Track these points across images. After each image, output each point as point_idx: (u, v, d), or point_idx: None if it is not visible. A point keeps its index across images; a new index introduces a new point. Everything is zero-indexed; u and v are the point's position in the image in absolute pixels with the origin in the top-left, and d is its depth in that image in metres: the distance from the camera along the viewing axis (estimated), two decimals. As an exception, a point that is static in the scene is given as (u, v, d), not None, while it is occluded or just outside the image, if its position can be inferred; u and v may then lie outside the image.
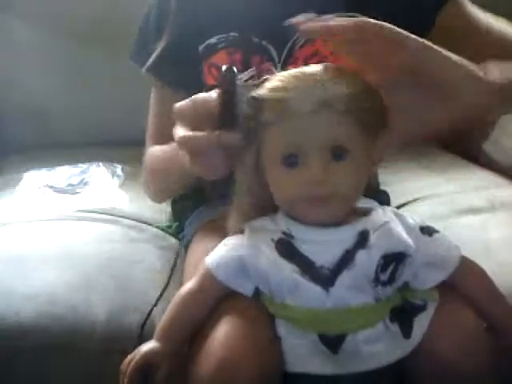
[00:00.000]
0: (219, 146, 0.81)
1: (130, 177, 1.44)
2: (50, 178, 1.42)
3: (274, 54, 1.07)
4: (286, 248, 0.81)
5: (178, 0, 1.11)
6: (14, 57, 1.61)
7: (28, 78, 1.61)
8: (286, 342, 0.81)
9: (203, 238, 1.07)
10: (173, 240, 1.26)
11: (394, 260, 0.81)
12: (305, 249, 0.80)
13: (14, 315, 0.96)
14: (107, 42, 1.57)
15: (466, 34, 1.06)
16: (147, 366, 0.81)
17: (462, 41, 1.06)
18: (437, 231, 0.84)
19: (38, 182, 1.40)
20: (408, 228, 0.82)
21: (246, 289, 0.83)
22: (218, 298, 0.84)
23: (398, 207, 1.34)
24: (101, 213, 1.29)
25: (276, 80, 0.80)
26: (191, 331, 0.83)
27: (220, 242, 0.87)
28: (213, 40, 1.07)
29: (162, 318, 0.84)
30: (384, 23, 0.81)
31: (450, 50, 1.11)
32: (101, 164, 1.47)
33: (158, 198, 1.21)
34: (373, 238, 0.80)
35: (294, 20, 0.83)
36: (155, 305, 1.00)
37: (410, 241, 0.81)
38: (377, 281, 0.80)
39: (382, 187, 1.25)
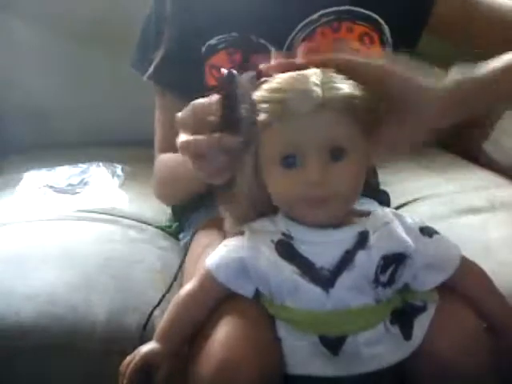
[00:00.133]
0: (220, 149, 0.81)
1: (130, 177, 1.44)
2: (50, 178, 1.41)
3: (274, 51, 1.07)
4: (286, 249, 0.81)
5: (173, 3, 1.11)
6: (14, 57, 1.61)
7: (28, 78, 1.61)
8: (287, 343, 0.81)
9: (203, 238, 1.07)
10: (173, 240, 1.26)
11: (394, 261, 0.81)
12: (304, 250, 0.80)
13: (13, 315, 0.96)
14: (107, 41, 1.57)
15: (469, 21, 1.07)
16: (147, 366, 0.81)
17: (467, 29, 1.07)
18: (437, 232, 0.84)
19: (38, 182, 1.40)
20: (408, 229, 0.82)
21: (247, 290, 0.83)
22: (218, 299, 0.84)
23: (398, 207, 1.34)
24: (101, 213, 1.29)
25: (274, 81, 0.80)
26: (191, 332, 0.83)
27: (220, 242, 0.87)
28: (212, 41, 1.07)
29: (162, 319, 0.85)
30: (349, 57, 0.82)
31: (457, 42, 1.11)
32: (101, 164, 1.47)
33: (168, 203, 1.24)
34: (372, 238, 0.80)
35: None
36: (158, 305, 0.99)
37: (409, 242, 0.81)
38: (377, 282, 0.80)
39: (382, 187, 1.25)
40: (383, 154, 0.85)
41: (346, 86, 0.78)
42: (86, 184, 1.40)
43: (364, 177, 0.82)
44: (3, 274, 1.05)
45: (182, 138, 0.84)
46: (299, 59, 0.82)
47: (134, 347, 0.83)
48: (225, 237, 0.89)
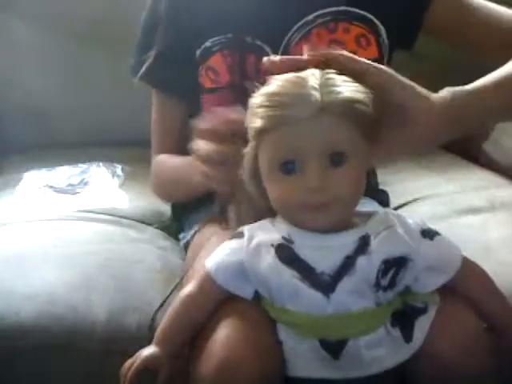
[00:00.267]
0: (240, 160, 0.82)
1: (130, 177, 1.44)
2: (50, 178, 1.41)
3: (270, 52, 1.07)
4: (286, 253, 0.80)
5: (168, 4, 1.11)
6: (14, 57, 1.61)
7: (28, 78, 1.61)
8: (287, 346, 0.81)
9: (203, 239, 1.07)
10: (173, 240, 1.26)
11: (395, 264, 0.80)
12: (305, 254, 0.80)
13: (14, 315, 0.96)
14: (107, 41, 1.57)
15: (466, 26, 1.07)
16: (148, 370, 0.80)
17: (464, 34, 1.07)
18: (438, 233, 0.84)
19: (38, 182, 1.40)
20: (409, 232, 0.82)
21: (246, 292, 0.83)
22: (217, 301, 0.83)
23: (398, 207, 1.34)
24: (101, 213, 1.29)
25: (271, 85, 0.79)
26: (191, 334, 0.83)
27: (220, 243, 0.87)
28: (208, 43, 1.08)
29: (162, 322, 0.84)
30: (345, 53, 0.81)
31: (454, 45, 1.11)
32: (101, 164, 1.47)
33: (166, 201, 1.26)
34: (374, 243, 0.79)
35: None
36: (161, 305, 0.99)
37: (411, 245, 0.81)
38: (378, 286, 0.79)
39: (382, 187, 1.25)
40: (383, 157, 0.85)
41: (345, 89, 0.77)
42: (86, 184, 1.40)
43: (365, 181, 0.81)
44: (3, 274, 1.05)
45: (203, 145, 0.86)
46: (301, 57, 0.81)
47: (136, 348, 0.83)
48: (225, 237, 0.88)
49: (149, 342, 0.83)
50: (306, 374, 0.81)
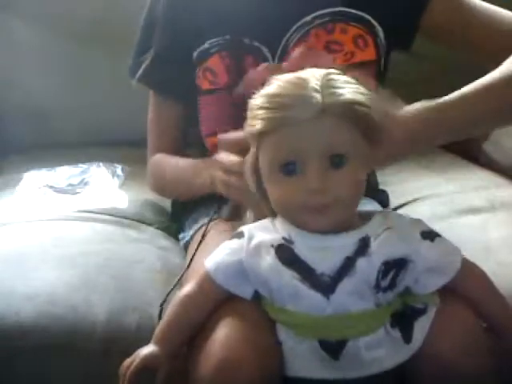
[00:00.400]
0: None
1: (130, 177, 1.44)
2: (50, 178, 1.41)
3: (267, 53, 1.08)
4: (287, 254, 0.80)
5: (166, 5, 1.11)
6: (14, 57, 1.61)
7: (28, 78, 1.61)
8: (287, 346, 0.81)
9: (204, 239, 1.07)
10: (173, 240, 1.26)
11: (395, 266, 0.80)
12: (305, 255, 0.80)
13: (13, 315, 0.96)
14: (107, 41, 1.57)
15: (465, 28, 1.06)
16: (146, 369, 0.80)
17: (464, 36, 1.07)
18: (438, 235, 0.83)
19: (38, 182, 1.40)
20: (409, 233, 0.82)
21: (245, 292, 0.83)
22: (217, 300, 0.83)
23: (398, 207, 1.34)
24: (101, 213, 1.28)
25: (272, 86, 0.79)
26: (190, 334, 0.83)
27: (220, 242, 0.87)
28: (206, 45, 1.08)
29: (161, 321, 0.85)
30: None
31: (453, 47, 1.12)
32: (101, 164, 1.47)
33: (162, 196, 1.28)
34: (374, 244, 0.79)
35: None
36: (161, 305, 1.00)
37: (411, 247, 0.81)
38: (378, 287, 0.79)
39: (382, 187, 1.25)
40: (383, 159, 0.85)
41: (346, 91, 0.77)
42: (86, 184, 1.40)
43: (365, 182, 0.81)
44: (3, 274, 1.05)
45: (225, 156, 0.91)
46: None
47: (135, 347, 0.83)
48: (225, 237, 0.88)
49: (149, 342, 0.83)
50: (305, 375, 0.81)
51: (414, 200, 1.38)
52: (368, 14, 1.07)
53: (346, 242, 0.80)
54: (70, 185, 1.39)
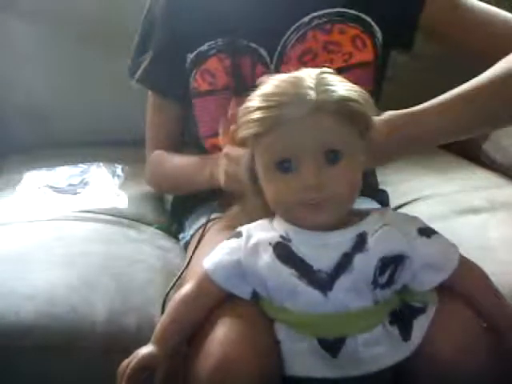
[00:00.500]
0: None
1: (130, 177, 1.44)
2: (50, 178, 1.41)
3: (265, 54, 1.08)
4: (284, 252, 0.81)
5: (164, 7, 1.11)
6: (14, 57, 1.61)
7: (28, 78, 1.61)
8: (286, 345, 0.81)
9: (203, 239, 1.07)
10: (173, 240, 1.26)
11: (393, 262, 0.80)
12: (302, 252, 0.80)
13: (13, 315, 0.96)
14: (107, 41, 1.57)
15: (465, 30, 1.06)
16: (145, 369, 0.80)
17: (465, 40, 1.06)
18: (435, 232, 0.84)
19: (38, 182, 1.40)
20: (406, 229, 0.82)
21: (244, 292, 0.83)
22: (216, 300, 0.84)
23: (398, 207, 1.34)
24: (101, 213, 1.29)
25: (267, 86, 0.80)
26: (189, 333, 0.83)
27: (219, 242, 0.87)
28: (204, 47, 1.08)
29: (160, 321, 0.85)
30: None
31: (453, 48, 1.11)
32: (101, 164, 1.47)
33: (159, 191, 1.31)
34: (371, 241, 0.80)
35: None
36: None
37: (407, 243, 0.81)
38: (375, 283, 0.80)
39: (382, 187, 1.25)
40: (379, 157, 0.86)
41: (340, 88, 0.78)
42: (86, 184, 1.40)
43: (361, 178, 0.82)
44: (3, 274, 1.05)
45: (231, 148, 0.92)
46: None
47: (135, 347, 0.83)
48: (224, 236, 0.88)
49: (148, 342, 0.83)
50: (304, 373, 0.81)
51: (414, 200, 1.38)
52: (366, 14, 1.07)
53: (342, 239, 0.80)
54: (70, 185, 1.39)
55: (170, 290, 0.98)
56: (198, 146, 1.16)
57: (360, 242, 0.80)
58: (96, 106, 1.62)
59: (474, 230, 1.21)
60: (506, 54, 0.97)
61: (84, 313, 0.98)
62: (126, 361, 0.81)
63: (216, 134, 1.08)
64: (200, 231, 1.08)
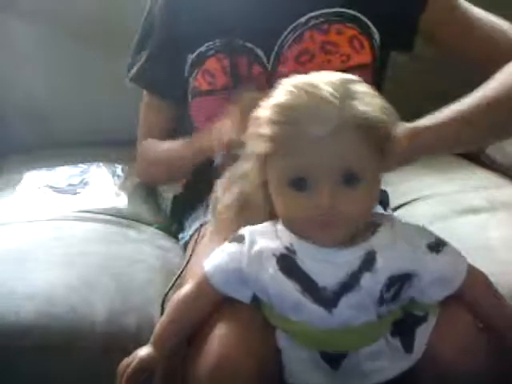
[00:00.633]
0: None
1: (129, 177, 1.44)
2: (50, 178, 1.41)
3: (262, 55, 1.08)
4: (288, 265, 0.78)
5: (163, 7, 1.12)
6: (14, 57, 1.61)
7: (28, 78, 1.61)
8: (286, 354, 0.81)
9: (203, 239, 1.07)
10: (173, 240, 1.26)
11: (400, 280, 0.78)
12: (307, 267, 0.77)
13: (13, 315, 0.96)
14: (107, 41, 1.56)
15: (465, 37, 1.06)
16: (143, 370, 0.80)
17: (466, 47, 1.06)
18: (444, 244, 0.81)
19: (38, 182, 1.40)
20: (415, 246, 0.79)
21: (244, 295, 0.82)
22: (215, 302, 0.83)
23: (398, 207, 1.34)
24: (101, 213, 1.28)
25: (285, 94, 0.75)
26: (188, 334, 0.83)
27: (220, 243, 0.86)
28: (203, 48, 1.08)
29: (159, 322, 0.84)
30: None
31: (453, 54, 1.11)
32: (101, 164, 1.47)
33: (154, 184, 1.34)
34: (380, 260, 0.77)
35: None
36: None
37: (417, 262, 0.78)
38: (381, 300, 0.78)
39: (382, 187, 1.25)
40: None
41: (365, 106, 0.73)
42: (86, 184, 1.40)
43: (377, 199, 0.79)
44: (3, 274, 1.05)
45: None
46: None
47: (135, 347, 0.83)
48: (225, 237, 0.88)
49: (148, 342, 0.83)
50: (303, 382, 0.80)
51: (414, 200, 1.38)
52: (364, 15, 1.07)
53: (350, 257, 0.77)
54: (70, 185, 1.39)
55: (169, 290, 0.98)
56: None
57: (368, 261, 0.77)
58: (96, 106, 1.62)
59: (474, 229, 1.21)
60: (504, 61, 0.98)
61: (84, 313, 0.98)
62: (126, 360, 0.81)
63: None
64: (199, 231, 1.08)
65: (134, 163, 1.45)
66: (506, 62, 0.99)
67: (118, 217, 1.29)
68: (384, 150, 0.76)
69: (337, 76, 0.76)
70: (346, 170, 0.74)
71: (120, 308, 1.00)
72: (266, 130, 0.74)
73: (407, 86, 1.50)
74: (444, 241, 0.82)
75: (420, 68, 1.52)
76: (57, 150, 1.57)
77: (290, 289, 0.78)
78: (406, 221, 0.89)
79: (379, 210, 0.82)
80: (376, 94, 0.76)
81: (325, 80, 0.75)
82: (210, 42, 1.08)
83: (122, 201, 1.35)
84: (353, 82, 0.76)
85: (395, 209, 1.31)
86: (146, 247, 1.19)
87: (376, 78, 1.10)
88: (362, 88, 0.76)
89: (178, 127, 1.20)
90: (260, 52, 1.08)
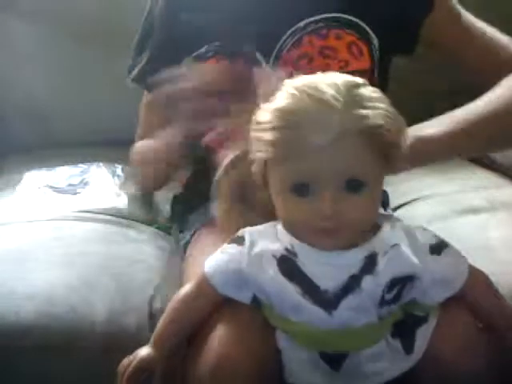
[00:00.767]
0: None
1: (129, 177, 1.44)
2: (50, 177, 1.41)
3: (260, 58, 1.08)
4: (289, 267, 0.78)
5: (163, 8, 1.12)
6: (14, 57, 1.61)
7: (28, 78, 1.61)
8: (286, 354, 0.80)
9: (203, 239, 1.07)
10: (173, 240, 1.26)
11: (402, 281, 0.78)
12: (308, 269, 0.77)
13: (13, 315, 0.96)
14: (107, 41, 1.56)
15: (464, 46, 1.06)
16: (143, 371, 0.80)
17: (465, 56, 1.06)
18: (446, 245, 0.81)
19: (38, 182, 1.40)
20: (417, 248, 0.78)
21: (244, 296, 0.82)
22: (215, 302, 0.83)
23: (398, 207, 1.34)
24: (101, 213, 1.29)
25: (287, 97, 0.73)
26: (188, 334, 0.83)
27: (220, 243, 0.86)
28: (202, 50, 1.08)
29: (159, 322, 0.84)
30: None
31: (452, 61, 1.11)
32: (101, 164, 1.47)
33: (145, 187, 1.29)
34: (381, 263, 0.76)
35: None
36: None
37: (418, 265, 0.77)
38: (382, 301, 0.77)
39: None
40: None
41: (370, 111, 0.71)
42: (86, 184, 1.40)
43: (379, 205, 0.78)
44: (3, 274, 1.05)
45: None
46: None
47: (135, 346, 0.83)
48: (224, 237, 0.88)
49: (148, 342, 0.83)
50: (304, 383, 0.80)
51: (414, 200, 1.38)
52: (363, 20, 1.07)
53: (352, 260, 0.77)
54: (70, 185, 1.39)
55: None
56: None
57: (369, 264, 0.76)
58: (96, 105, 1.62)
59: (474, 229, 1.21)
60: (504, 72, 0.99)
61: (84, 313, 0.98)
62: (126, 360, 0.81)
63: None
64: (199, 231, 1.08)
65: (133, 163, 1.46)
66: (507, 72, 1.01)
67: (118, 217, 1.29)
68: (388, 156, 0.75)
69: (341, 78, 0.75)
70: (348, 176, 0.73)
71: (120, 308, 1.00)
72: (266, 134, 0.73)
73: (407, 86, 1.50)
74: (445, 242, 0.81)
75: (420, 68, 1.52)
76: (57, 149, 1.57)
77: (290, 291, 0.77)
78: (406, 221, 0.88)
79: (379, 210, 0.81)
80: (382, 97, 0.75)
81: (328, 82, 0.73)
82: (209, 44, 1.08)
83: (121, 201, 1.35)
84: (357, 85, 0.74)
85: (395, 209, 1.31)
86: (146, 247, 1.19)
87: (375, 83, 1.10)
88: (366, 92, 0.74)
89: None
90: (259, 56, 1.08)
